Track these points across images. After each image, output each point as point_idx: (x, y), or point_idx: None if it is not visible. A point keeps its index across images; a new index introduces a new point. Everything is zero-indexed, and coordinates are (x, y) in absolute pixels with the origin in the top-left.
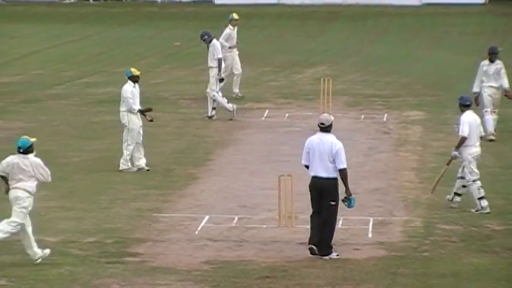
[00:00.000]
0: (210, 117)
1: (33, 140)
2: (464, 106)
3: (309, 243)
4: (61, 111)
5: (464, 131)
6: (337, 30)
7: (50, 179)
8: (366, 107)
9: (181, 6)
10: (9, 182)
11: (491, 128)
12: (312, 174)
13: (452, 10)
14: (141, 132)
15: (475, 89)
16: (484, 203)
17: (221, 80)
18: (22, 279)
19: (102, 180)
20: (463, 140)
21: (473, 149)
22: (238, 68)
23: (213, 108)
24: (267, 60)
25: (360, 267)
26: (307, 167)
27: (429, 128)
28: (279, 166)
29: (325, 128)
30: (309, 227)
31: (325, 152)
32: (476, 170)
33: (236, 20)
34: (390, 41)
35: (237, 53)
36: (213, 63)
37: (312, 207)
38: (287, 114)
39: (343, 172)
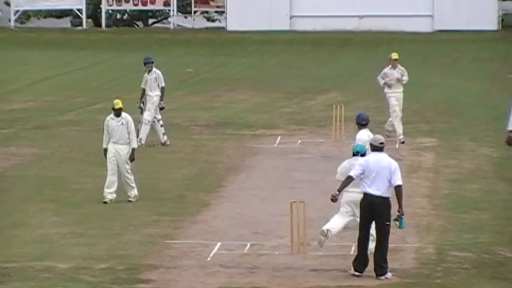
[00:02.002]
0: (164, 144)
1: None
2: (361, 125)
3: (358, 270)
4: (73, 138)
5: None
6: (349, 56)
7: None
8: (378, 133)
9: (194, 33)
10: None
11: None
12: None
13: (464, 37)
14: (126, 166)
15: (510, 127)
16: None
17: (161, 109)
18: None
19: (114, 206)
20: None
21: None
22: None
23: (163, 134)
24: (279, 86)
25: None
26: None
27: (441, 154)
28: (291, 192)
29: (381, 148)
30: (321, 253)
31: (385, 170)
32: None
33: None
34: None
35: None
36: (155, 91)
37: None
38: (299, 141)
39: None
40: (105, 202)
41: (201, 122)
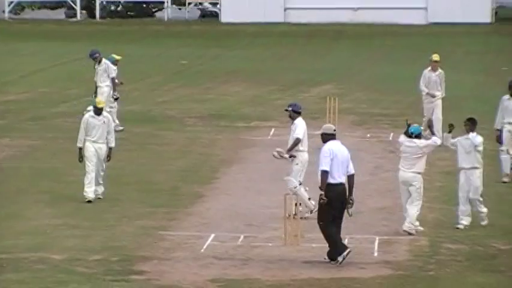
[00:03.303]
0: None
1: None
2: (296, 113)
3: (346, 251)
4: (67, 129)
5: (299, 133)
6: (343, 49)
7: None
8: (372, 125)
9: (188, 25)
10: None
11: (507, 169)
12: (339, 181)
13: (458, 30)
14: (103, 164)
15: (497, 126)
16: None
17: (116, 99)
18: None
19: (108, 198)
20: (297, 142)
21: (306, 154)
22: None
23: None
24: (273, 78)
25: (366, 286)
26: (326, 172)
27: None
28: (284, 184)
29: (335, 135)
30: (314, 245)
31: (345, 158)
32: (300, 178)
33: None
34: (396, 60)
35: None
36: (105, 82)
37: (330, 217)
38: None
39: (353, 177)
40: (89, 201)
41: (195, 114)
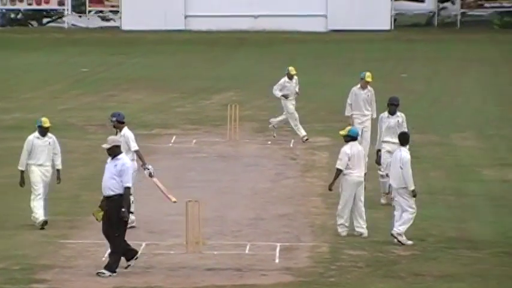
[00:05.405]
0: None
1: None
2: (120, 123)
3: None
4: None
5: (135, 146)
6: (244, 56)
7: None
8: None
9: (89, 32)
10: None
11: (386, 189)
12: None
13: (357, 36)
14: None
15: (378, 147)
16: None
17: None
18: None
19: (9, 206)
20: (140, 153)
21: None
22: None
23: None
24: (174, 86)
25: None
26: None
27: (335, 153)
28: (186, 192)
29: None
30: (216, 252)
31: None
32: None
33: None
34: (297, 67)
35: None
36: None
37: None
38: (194, 140)
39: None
40: (45, 223)
41: (96, 121)
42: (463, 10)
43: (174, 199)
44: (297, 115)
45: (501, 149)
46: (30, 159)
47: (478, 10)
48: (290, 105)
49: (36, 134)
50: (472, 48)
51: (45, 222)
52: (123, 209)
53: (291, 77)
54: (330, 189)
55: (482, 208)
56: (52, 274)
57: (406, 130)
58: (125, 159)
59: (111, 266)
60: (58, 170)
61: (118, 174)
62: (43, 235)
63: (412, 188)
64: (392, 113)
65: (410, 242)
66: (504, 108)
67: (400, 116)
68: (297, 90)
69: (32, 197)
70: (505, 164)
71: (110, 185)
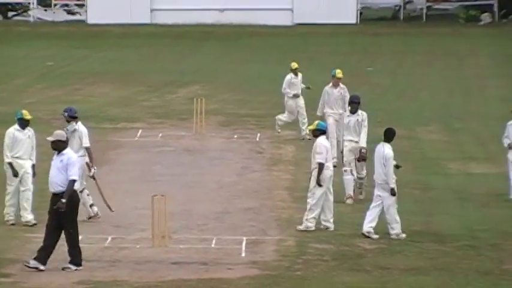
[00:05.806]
0: None
1: None
2: (72, 118)
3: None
4: None
5: (87, 142)
6: (210, 50)
7: None
8: (239, 126)
9: (54, 26)
10: None
11: (350, 190)
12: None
13: (323, 30)
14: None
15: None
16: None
17: None
18: None
19: None
20: (90, 151)
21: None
22: None
23: None
24: (140, 79)
25: (234, 286)
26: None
27: (301, 147)
28: (153, 186)
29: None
30: (182, 246)
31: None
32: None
33: None
34: (263, 61)
35: None
36: None
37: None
38: (160, 134)
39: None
40: (13, 224)
41: (62, 115)
42: (428, 4)
43: (113, 209)
44: (295, 115)
45: (466, 142)
46: (9, 151)
47: (443, 4)
48: (293, 103)
49: (16, 126)
50: (437, 42)
51: (12, 225)
52: (62, 200)
53: (295, 73)
54: (320, 185)
55: (447, 202)
56: (18, 268)
57: (391, 127)
58: (71, 153)
59: (75, 260)
60: (33, 165)
61: (65, 168)
62: (9, 229)
63: (392, 186)
64: (353, 111)
65: (376, 236)
66: (469, 102)
67: (360, 115)
68: (302, 85)
69: (7, 191)
70: (470, 157)
71: (58, 181)
